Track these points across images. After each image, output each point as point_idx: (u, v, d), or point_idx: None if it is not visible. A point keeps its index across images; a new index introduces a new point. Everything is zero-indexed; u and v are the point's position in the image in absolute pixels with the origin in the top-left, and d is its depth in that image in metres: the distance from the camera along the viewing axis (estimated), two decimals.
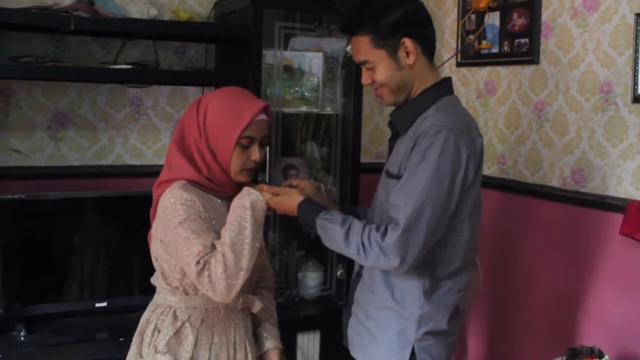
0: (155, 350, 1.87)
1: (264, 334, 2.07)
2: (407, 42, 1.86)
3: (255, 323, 2.08)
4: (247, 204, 1.81)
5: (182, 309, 1.91)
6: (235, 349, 1.94)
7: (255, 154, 1.89)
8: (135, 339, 1.96)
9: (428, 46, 1.93)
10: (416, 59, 1.88)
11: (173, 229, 1.79)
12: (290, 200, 1.92)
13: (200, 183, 1.88)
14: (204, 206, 1.84)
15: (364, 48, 1.90)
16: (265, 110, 1.91)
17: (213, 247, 1.78)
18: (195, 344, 1.88)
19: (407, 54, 1.88)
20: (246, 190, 1.86)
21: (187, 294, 1.90)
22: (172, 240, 1.81)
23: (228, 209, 1.88)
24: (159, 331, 1.89)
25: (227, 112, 1.86)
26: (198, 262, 1.74)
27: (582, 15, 2.61)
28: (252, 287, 2.03)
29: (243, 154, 1.88)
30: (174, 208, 1.80)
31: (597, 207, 2.54)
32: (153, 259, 1.94)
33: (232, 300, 1.81)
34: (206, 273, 1.73)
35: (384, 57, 1.88)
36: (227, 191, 1.94)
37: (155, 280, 1.98)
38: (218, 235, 1.81)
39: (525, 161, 2.89)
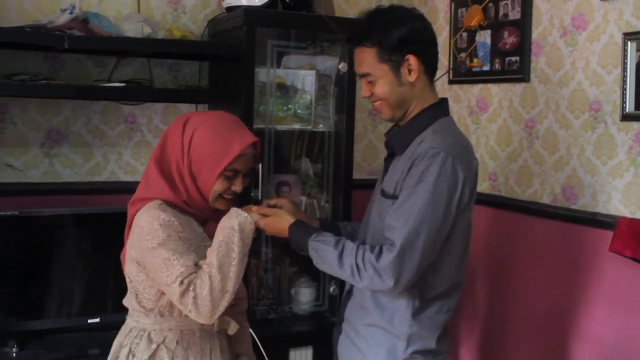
0: None
1: None
2: (412, 60, 1.87)
3: (231, 356, 2.05)
4: (236, 226, 1.79)
5: (156, 332, 1.86)
6: None
7: (237, 185, 1.88)
8: None
9: (430, 66, 1.93)
10: (417, 78, 1.89)
11: (152, 250, 1.75)
12: (281, 221, 1.91)
13: (176, 205, 1.85)
14: (182, 226, 1.81)
15: (367, 60, 1.89)
16: (254, 144, 1.89)
17: (195, 266, 1.74)
18: None
19: (410, 71, 1.88)
20: (234, 211, 1.84)
21: (162, 315, 1.86)
22: (151, 261, 1.76)
23: (204, 231, 1.87)
24: (133, 356, 1.85)
25: (216, 142, 1.83)
26: (182, 282, 1.70)
27: (572, 34, 2.63)
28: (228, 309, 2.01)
29: (226, 184, 1.86)
30: (151, 229, 1.76)
31: (587, 223, 2.55)
32: (127, 280, 1.90)
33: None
34: (191, 294, 1.70)
35: (387, 71, 1.88)
36: (203, 216, 1.92)
37: (128, 302, 1.92)
38: (197, 256, 1.78)
39: (516, 178, 2.90)
